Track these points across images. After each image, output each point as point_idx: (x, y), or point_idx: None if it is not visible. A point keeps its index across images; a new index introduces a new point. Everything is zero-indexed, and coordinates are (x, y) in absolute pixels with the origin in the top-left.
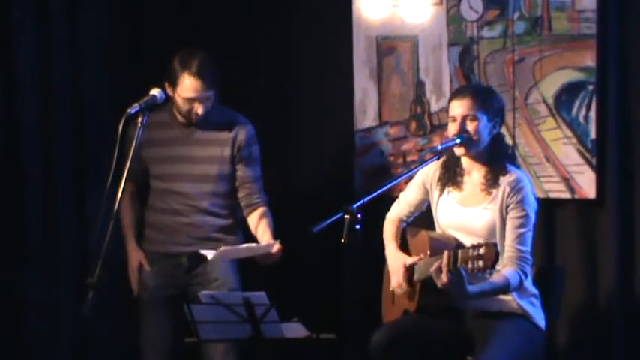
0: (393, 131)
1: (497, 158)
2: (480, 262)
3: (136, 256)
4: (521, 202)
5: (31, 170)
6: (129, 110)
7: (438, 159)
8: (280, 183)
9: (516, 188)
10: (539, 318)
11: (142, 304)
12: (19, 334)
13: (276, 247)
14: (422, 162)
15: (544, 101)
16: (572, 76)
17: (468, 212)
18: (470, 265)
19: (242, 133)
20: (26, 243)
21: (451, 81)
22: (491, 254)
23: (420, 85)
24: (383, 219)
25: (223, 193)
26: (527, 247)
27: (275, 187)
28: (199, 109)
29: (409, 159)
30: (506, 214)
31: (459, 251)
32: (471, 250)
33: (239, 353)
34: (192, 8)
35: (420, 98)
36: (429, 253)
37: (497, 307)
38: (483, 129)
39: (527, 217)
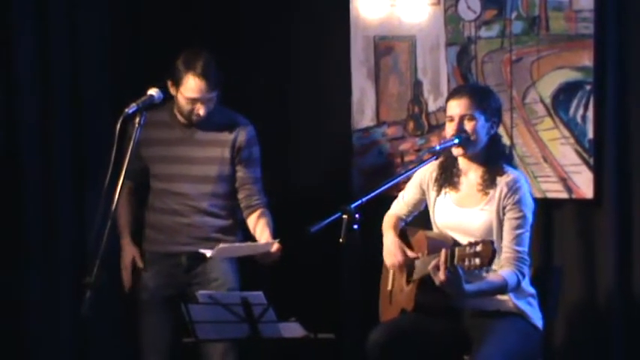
0: (391, 131)
1: (494, 158)
2: (477, 260)
3: (129, 251)
4: (519, 203)
5: (31, 170)
6: (126, 110)
7: (436, 159)
8: (278, 183)
9: (513, 189)
10: (537, 318)
11: (142, 305)
12: (19, 334)
13: (275, 246)
14: (420, 162)
15: (542, 101)
16: (569, 75)
17: (465, 213)
18: (467, 263)
19: (242, 135)
20: (26, 243)
21: (449, 81)
22: (488, 251)
23: (417, 85)
24: (381, 219)
25: (223, 194)
26: (525, 248)
27: (273, 187)
28: (201, 110)
29: (407, 159)
30: (504, 214)
31: (456, 249)
32: (467, 248)
33: (238, 353)
34: (192, 8)
35: (417, 98)
36: (426, 252)
37: (494, 306)
38: (481, 129)
39: (525, 218)
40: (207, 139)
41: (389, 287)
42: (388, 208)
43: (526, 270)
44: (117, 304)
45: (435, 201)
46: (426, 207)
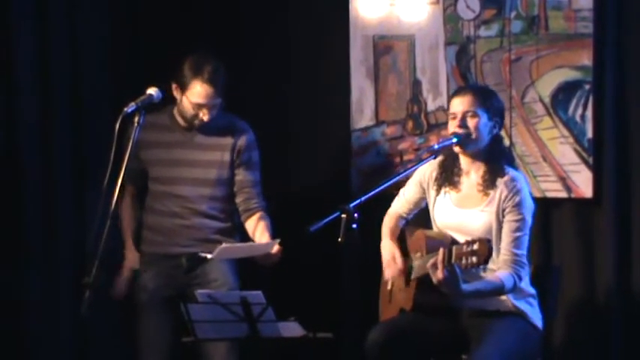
0: (390, 130)
1: (495, 158)
2: (474, 258)
3: (131, 259)
4: (518, 206)
5: (31, 170)
6: (125, 109)
7: (435, 158)
8: (278, 182)
9: (514, 191)
10: (537, 318)
11: (141, 306)
12: (19, 334)
13: (275, 247)
14: (418, 161)
15: (541, 100)
16: (568, 75)
17: (464, 214)
18: (464, 261)
19: (242, 139)
20: (26, 243)
21: (448, 80)
22: (485, 250)
23: (416, 85)
24: (380, 218)
25: (221, 197)
26: (523, 251)
27: (272, 187)
28: (206, 116)
29: (406, 158)
30: (503, 216)
31: (454, 247)
32: (465, 247)
33: (239, 355)
34: (192, 8)
35: (416, 97)
36: (425, 251)
37: (494, 306)
38: (483, 127)
39: (524, 221)
40: (208, 143)
41: (388, 287)
42: (387, 207)
43: (523, 273)
44: (117, 304)
45: (435, 200)
46: (427, 205)
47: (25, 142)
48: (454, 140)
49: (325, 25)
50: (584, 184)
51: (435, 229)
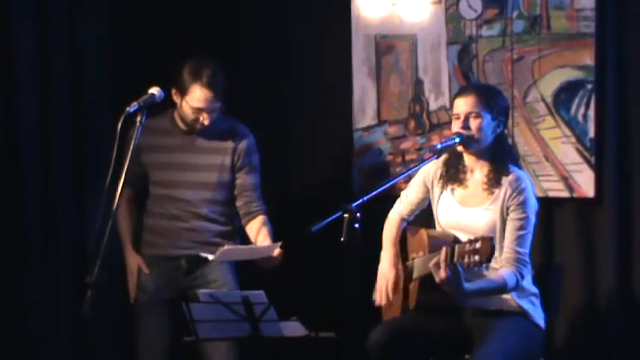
0: (392, 130)
1: (500, 157)
2: (477, 257)
3: (134, 260)
4: (522, 204)
5: (31, 170)
6: (128, 109)
7: (437, 157)
8: (279, 183)
9: (518, 189)
10: (539, 317)
11: (140, 307)
12: (19, 334)
13: (277, 250)
14: (421, 161)
15: (543, 100)
16: (570, 74)
17: (468, 212)
18: (466, 260)
19: (243, 143)
20: (26, 243)
21: (450, 80)
22: (487, 248)
23: (418, 84)
24: (382, 218)
25: (222, 201)
26: (526, 250)
27: (274, 187)
28: (206, 120)
29: (408, 158)
30: (507, 215)
31: (456, 246)
32: (467, 245)
33: (239, 354)
34: (192, 8)
35: (418, 97)
36: (428, 250)
37: (497, 305)
38: (486, 127)
39: (528, 220)
40: (208, 147)
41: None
42: (389, 206)
43: (525, 272)
44: (117, 305)
45: (439, 198)
46: (429, 205)
47: (25, 142)
48: (457, 140)
49: (325, 25)
50: (586, 183)
51: (438, 228)
